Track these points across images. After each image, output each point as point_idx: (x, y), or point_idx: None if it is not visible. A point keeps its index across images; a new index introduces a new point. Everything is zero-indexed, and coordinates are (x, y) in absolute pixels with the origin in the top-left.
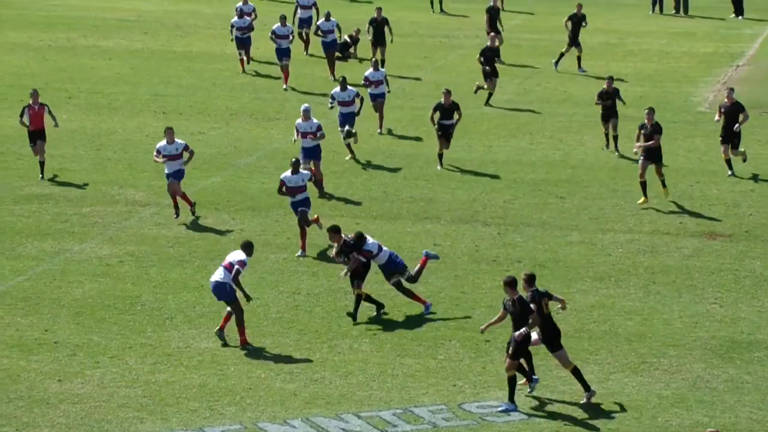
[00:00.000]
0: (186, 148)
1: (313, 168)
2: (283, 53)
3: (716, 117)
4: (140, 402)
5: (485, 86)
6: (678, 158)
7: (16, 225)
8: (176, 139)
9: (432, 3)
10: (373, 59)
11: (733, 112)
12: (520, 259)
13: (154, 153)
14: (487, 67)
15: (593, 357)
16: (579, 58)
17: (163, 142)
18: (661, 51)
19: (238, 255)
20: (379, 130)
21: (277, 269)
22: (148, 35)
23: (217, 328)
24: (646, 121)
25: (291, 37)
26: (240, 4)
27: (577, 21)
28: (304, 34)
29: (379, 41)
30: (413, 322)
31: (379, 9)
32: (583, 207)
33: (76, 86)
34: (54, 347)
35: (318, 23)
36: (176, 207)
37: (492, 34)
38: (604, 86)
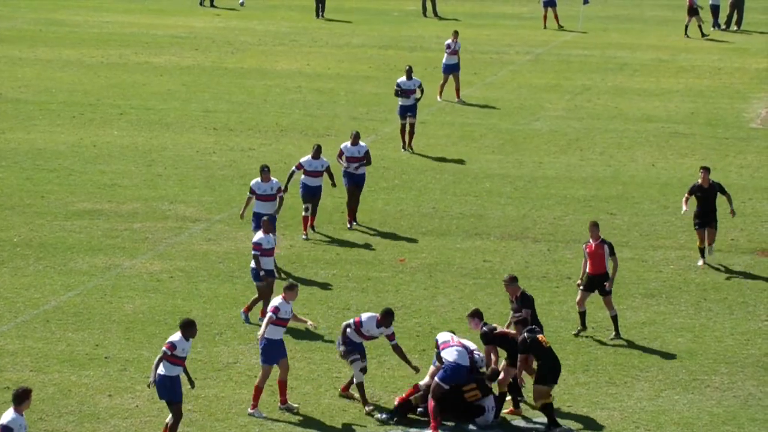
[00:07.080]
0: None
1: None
2: (408, 109)
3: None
4: (190, 417)
5: None
6: (730, 174)
7: (68, 240)
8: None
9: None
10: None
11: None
12: (569, 276)
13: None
14: None
15: (644, 374)
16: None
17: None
18: (713, 67)
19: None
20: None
21: (326, 285)
22: (199, 52)
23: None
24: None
25: (419, 93)
26: (449, 40)
27: None
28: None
29: None
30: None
31: None
32: (633, 223)
33: (127, 102)
34: (105, 362)
35: (342, 146)
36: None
37: None
38: (699, 180)
